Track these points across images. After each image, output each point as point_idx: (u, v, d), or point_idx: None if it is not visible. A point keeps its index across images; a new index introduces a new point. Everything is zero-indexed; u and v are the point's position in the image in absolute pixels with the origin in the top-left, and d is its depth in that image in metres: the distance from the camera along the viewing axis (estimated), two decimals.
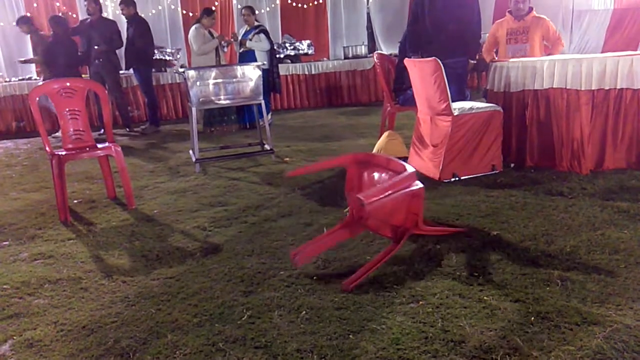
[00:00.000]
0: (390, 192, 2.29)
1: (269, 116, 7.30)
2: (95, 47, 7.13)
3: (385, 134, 2.80)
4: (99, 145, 3.75)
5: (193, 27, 6.93)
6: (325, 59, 10.08)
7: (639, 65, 3.53)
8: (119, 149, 3.66)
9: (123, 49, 7.28)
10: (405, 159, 2.89)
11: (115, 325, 2.05)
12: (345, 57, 9.77)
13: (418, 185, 2.41)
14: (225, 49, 7.49)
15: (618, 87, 3.56)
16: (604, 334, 1.77)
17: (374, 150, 2.69)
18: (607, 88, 3.59)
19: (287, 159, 4.96)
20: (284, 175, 2.97)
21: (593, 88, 3.60)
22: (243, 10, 7.02)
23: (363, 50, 9.79)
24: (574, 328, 1.82)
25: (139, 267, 2.61)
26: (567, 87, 3.66)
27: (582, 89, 3.61)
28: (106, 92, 3.95)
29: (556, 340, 1.75)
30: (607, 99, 3.60)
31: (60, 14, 7.91)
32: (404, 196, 2.37)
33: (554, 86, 3.73)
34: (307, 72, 9.18)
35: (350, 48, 9.85)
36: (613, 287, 2.09)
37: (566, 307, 1.95)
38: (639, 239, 2.53)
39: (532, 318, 1.89)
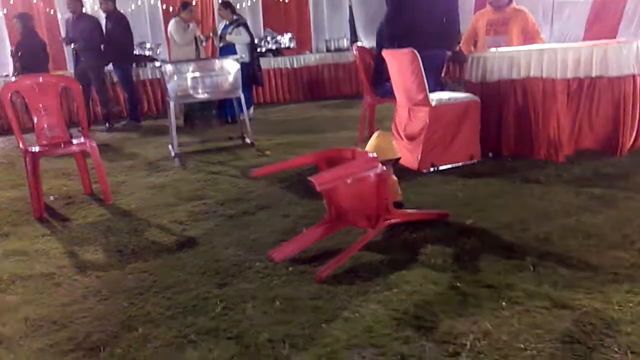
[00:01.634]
0: (344, 175, 2.29)
1: (251, 110, 7.27)
2: (72, 45, 7.05)
3: (376, 133, 2.74)
4: (74, 141, 3.69)
5: (172, 20, 6.89)
6: (307, 52, 10.04)
7: (612, 53, 3.57)
8: (95, 144, 3.62)
9: (103, 44, 7.19)
10: (397, 160, 2.88)
11: (87, 320, 2.03)
12: (328, 50, 9.75)
13: (380, 169, 2.40)
14: (204, 43, 7.43)
15: (593, 75, 3.60)
16: (573, 317, 1.79)
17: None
18: (582, 77, 3.63)
19: (268, 152, 4.94)
20: (250, 175, 2.93)
21: (568, 77, 3.64)
22: (218, 6, 7.01)
23: (345, 43, 9.77)
24: (544, 312, 1.83)
25: (113, 262, 2.58)
26: (543, 77, 3.69)
27: (558, 77, 3.63)
28: (80, 87, 3.89)
29: (526, 324, 1.77)
30: (582, 87, 3.64)
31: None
32: (369, 181, 2.36)
33: (530, 76, 3.75)
34: (289, 66, 9.14)
35: (332, 41, 9.83)
36: (584, 271, 2.11)
37: (537, 292, 1.97)
38: (611, 224, 2.56)
39: (504, 303, 1.91)
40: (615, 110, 3.65)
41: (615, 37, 10.75)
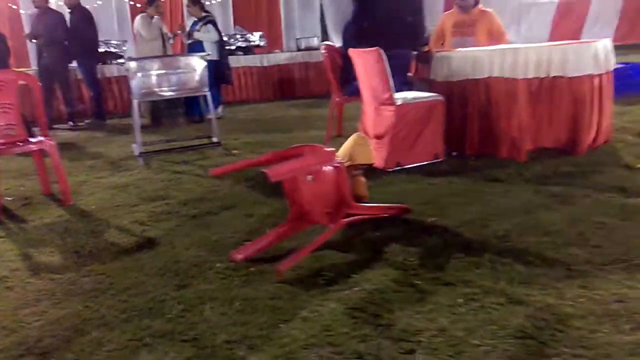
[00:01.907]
0: (299, 167, 2.29)
1: (220, 108, 7.20)
2: (34, 40, 6.86)
3: (354, 136, 2.70)
4: (32, 140, 3.58)
5: (139, 17, 6.77)
6: (278, 50, 10.01)
7: (571, 54, 3.65)
8: (54, 143, 3.52)
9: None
10: (371, 165, 2.89)
11: (39, 324, 1.97)
12: (298, 49, 9.73)
13: (337, 162, 2.41)
14: (172, 41, 7.32)
15: (552, 75, 3.68)
16: (527, 313, 1.82)
17: (339, 155, 2.64)
18: (542, 76, 3.70)
19: (235, 151, 4.89)
20: (207, 174, 2.89)
21: (530, 77, 3.70)
22: (187, 2, 6.92)
23: (316, 42, 9.77)
24: (499, 308, 1.86)
25: (69, 264, 2.51)
26: (505, 76, 3.75)
27: (520, 77, 3.70)
28: (39, 84, 3.78)
29: (481, 320, 1.79)
30: (543, 87, 3.71)
31: None
32: (328, 177, 2.37)
33: (493, 75, 3.82)
34: (259, 64, 9.09)
35: (303, 40, 9.81)
36: (540, 268, 2.15)
37: (494, 289, 2.00)
38: (568, 221, 2.62)
39: (460, 300, 1.93)
40: (574, 109, 3.74)
41: (579, 38, 11.06)
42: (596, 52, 3.72)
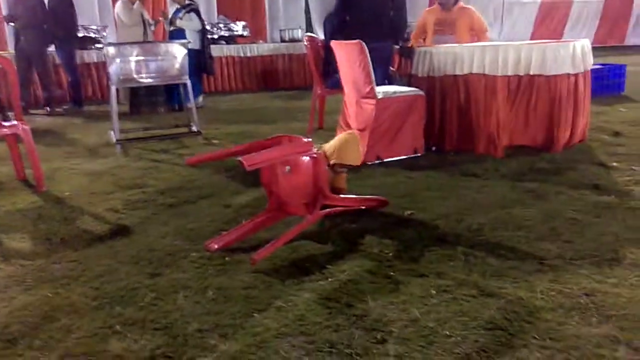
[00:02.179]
0: (275, 157, 2.28)
1: (200, 98, 7.12)
2: (11, 23, 6.69)
3: (346, 134, 2.65)
4: (5, 124, 3.50)
5: (119, 2, 6.63)
6: (261, 41, 9.93)
7: (550, 53, 3.70)
8: (27, 127, 3.45)
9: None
10: (358, 167, 2.86)
11: (7, 311, 1.93)
12: (282, 40, 9.67)
13: (315, 153, 2.40)
14: (153, 27, 7.20)
15: (531, 73, 3.72)
16: (498, 305, 1.85)
17: (326, 149, 2.62)
18: (521, 74, 3.74)
19: (216, 141, 4.85)
20: (184, 163, 2.86)
21: (509, 74, 3.74)
22: None
23: (300, 34, 9.71)
24: (471, 300, 1.88)
25: (40, 250, 2.47)
26: (485, 73, 3.79)
27: (499, 74, 3.74)
28: (14, 67, 3.70)
29: (452, 311, 1.81)
30: (521, 84, 3.75)
31: None
32: (305, 167, 2.36)
33: (473, 72, 3.84)
34: (242, 55, 9.01)
35: (287, 31, 9.75)
36: (512, 261, 2.19)
37: (466, 281, 2.02)
38: (541, 216, 2.66)
39: (433, 291, 1.94)
40: (551, 107, 3.79)
41: (560, 39, 11.22)
42: (574, 52, 3.78)
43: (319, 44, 5.24)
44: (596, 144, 4.08)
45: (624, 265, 2.12)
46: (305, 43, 5.20)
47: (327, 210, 2.62)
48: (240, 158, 2.12)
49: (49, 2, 6.87)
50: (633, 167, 3.41)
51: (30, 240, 2.60)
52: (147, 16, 7.00)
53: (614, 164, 3.52)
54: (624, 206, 2.75)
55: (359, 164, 2.80)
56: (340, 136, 2.72)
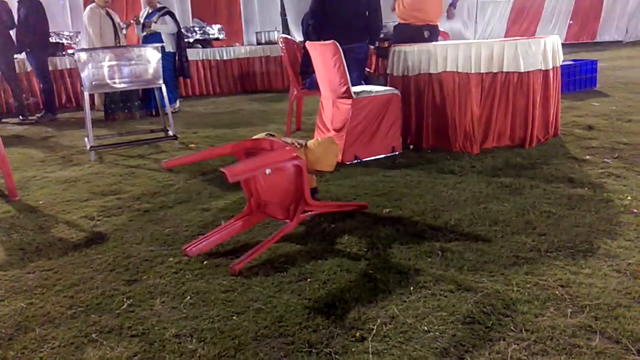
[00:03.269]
0: (258, 166, 2.26)
1: (177, 102, 7.06)
2: None
3: (325, 140, 2.60)
4: None
5: (88, 8, 6.49)
6: (237, 44, 9.88)
7: (523, 50, 3.75)
8: None
9: (15, 31, 6.71)
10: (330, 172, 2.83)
11: None
12: (259, 43, 9.64)
13: (297, 160, 2.39)
14: (125, 31, 7.10)
15: (504, 70, 3.77)
16: (475, 299, 1.87)
17: (309, 149, 2.56)
18: (495, 71, 3.79)
19: (193, 145, 4.81)
20: (161, 166, 2.81)
21: (482, 71, 3.79)
22: None
23: (276, 36, 9.67)
24: (449, 295, 1.90)
25: (14, 260, 2.41)
26: (459, 71, 3.83)
27: (472, 72, 3.78)
28: None
29: (431, 307, 1.82)
30: (495, 81, 3.80)
31: None
32: (287, 173, 2.35)
33: (446, 70, 3.88)
34: (218, 58, 8.94)
35: (263, 34, 9.72)
36: (489, 255, 2.21)
37: (444, 276, 2.04)
38: (517, 211, 2.70)
39: (412, 288, 1.96)
40: (525, 104, 3.85)
41: (534, 36, 11.40)
42: (545, 48, 3.84)
43: (295, 46, 5.24)
44: (570, 138, 4.15)
45: (598, 256, 2.16)
46: (281, 45, 5.19)
47: (307, 214, 2.60)
48: (222, 169, 2.09)
49: (19, 9, 6.73)
50: (606, 160, 3.48)
51: (3, 250, 2.54)
52: (117, 20, 6.89)
53: (587, 157, 3.58)
54: (597, 198, 2.80)
55: (331, 171, 2.76)
56: (319, 141, 2.66)
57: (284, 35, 5.63)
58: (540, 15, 14.19)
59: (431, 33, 4.90)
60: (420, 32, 4.84)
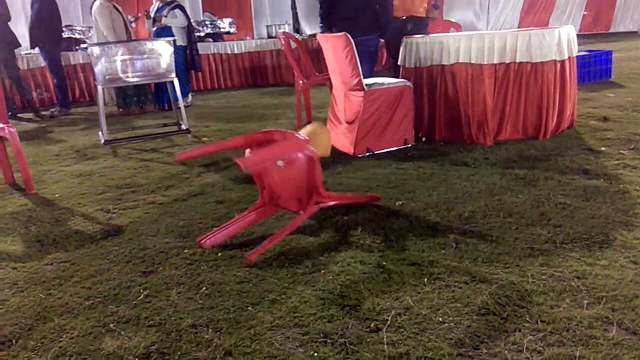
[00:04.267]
0: (270, 156, 2.27)
1: (190, 96, 7.09)
2: None
3: (314, 125, 2.60)
4: None
5: (97, 3, 6.50)
6: (248, 38, 9.88)
7: (536, 40, 3.71)
8: (14, 129, 3.41)
9: (29, 26, 6.77)
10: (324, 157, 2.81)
11: (0, 313, 1.92)
12: (269, 37, 9.63)
13: (310, 151, 2.39)
14: (133, 25, 7.10)
15: (517, 60, 3.73)
16: (490, 290, 1.86)
17: None
18: (507, 62, 3.75)
19: (205, 138, 4.84)
20: (174, 159, 2.83)
21: (495, 62, 3.75)
22: None
23: (287, 29, 9.69)
24: (463, 286, 1.90)
25: (32, 252, 2.45)
26: (472, 62, 3.79)
27: (485, 63, 3.75)
28: None
29: (445, 298, 1.82)
30: (508, 72, 3.76)
31: None
32: (300, 164, 2.35)
33: (459, 61, 3.85)
34: (229, 52, 8.95)
35: (274, 27, 9.71)
36: (503, 247, 2.20)
37: (458, 268, 2.03)
38: (531, 202, 2.68)
39: (426, 279, 1.96)
40: (538, 94, 3.80)
41: (547, 26, 11.26)
42: (560, 38, 3.79)
43: (294, 38, 5.23)
44: (585, 129, 4.10)
45: (614, 247, 2.14)
46: (280, 39, 5.18)
47: (320, 205, 2.60)
48: (236, 160, 2.10)
49: (32, 4, 6.78)
50: (621, 151, 3.44)
51: (21, 242, 2.59)
52: (125, 14, 6.88)
53: (603, 148, 3.54)
54: (613, 189, 2.77)
55: (327, 156, 2.75)
56: (308, 127, 2.67)
57: (282, 30, 5.65)
58: (554, 6, 13.99)
59: (415, 25, 4.74)
60: (403, 25, 4.72)
